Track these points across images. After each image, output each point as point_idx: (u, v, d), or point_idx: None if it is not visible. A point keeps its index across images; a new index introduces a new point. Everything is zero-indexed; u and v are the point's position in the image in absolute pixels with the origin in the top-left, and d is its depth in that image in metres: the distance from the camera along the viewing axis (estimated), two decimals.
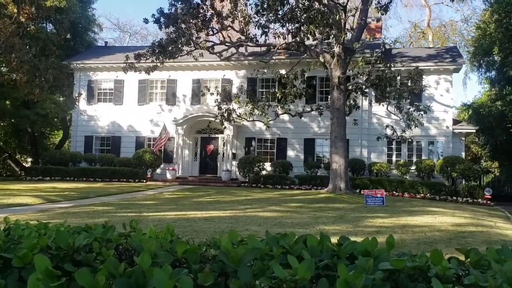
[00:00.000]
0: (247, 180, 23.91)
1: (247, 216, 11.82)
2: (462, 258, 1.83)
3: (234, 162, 25.33)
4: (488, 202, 19.82)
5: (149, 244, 1.49)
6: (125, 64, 21.97)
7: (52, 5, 24.76)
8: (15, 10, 19.19)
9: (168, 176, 25.05)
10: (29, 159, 34.03)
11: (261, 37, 20.94)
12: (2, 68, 20.29)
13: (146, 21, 21.54)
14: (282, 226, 10.14)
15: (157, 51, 21.17)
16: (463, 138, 24.90)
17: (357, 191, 20.30)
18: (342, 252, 1.62)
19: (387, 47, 22.09)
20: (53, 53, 21.97)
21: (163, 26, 21.25)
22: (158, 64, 21.88)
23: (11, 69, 18.47)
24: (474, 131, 26.28)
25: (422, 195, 21.00)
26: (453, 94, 24.64)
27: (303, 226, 10.24)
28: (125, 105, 27.89)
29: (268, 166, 24.58)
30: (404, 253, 1.89)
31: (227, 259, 1.38)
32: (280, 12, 19.27)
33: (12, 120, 29.81)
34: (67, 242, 1.65)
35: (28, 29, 20.52)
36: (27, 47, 19.33)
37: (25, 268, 1.54)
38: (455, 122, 25.29)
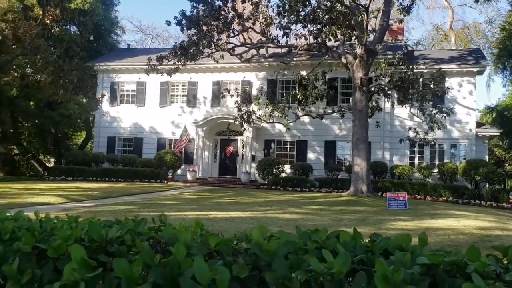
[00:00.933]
0: (266, 182, 23.88)
1: (268, 217, 11.80)
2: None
3: (253, 164, 25.33)
4: None
5: (183, 236, 1.49)
6: (147, 66, 22.20)
7: (76, 7, 25.20)
8: (41, 12, 19.55)
9: (189, 177, 25.20)
10: (52, 159, 34.61)
11: (282, 38, 20.90)
12: (27, 69, 20.68)
13: (168, 23, 21.88)
14: (303, 227, 10.01)
15: (179, 53, 21.33)
16: (487, 141, 24.45)
17: (379, 194, 20.09)
18: (376, 247, 1.59)
19: (409, 49, 21.77)
20: (77, 54, 22.34)
21: (185, 28, 21.41)
22: (180, 66, 22.06)
23: (36, 70, 18.82)
24: (498, 134, 25.76)
25: (444, 198, 20.68)
26: (476, 97, 24.20)
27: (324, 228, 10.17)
28: (147, 106, 28.18)
29: (287, 168, 24.50)
30: (437, 250, 1.85)
31: (261, 252, 1.37)
32: (302, 13, 19.22)
33: (36, 121, 30.38)
34: (100, 234, 1.67)
35: (52, 31, 20.88)
36: (52, 48, 19.67)
37: (59, 258, 1.55)
38: (479, 125, 24.83)
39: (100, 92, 26.88)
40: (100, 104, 25.58)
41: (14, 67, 18.76)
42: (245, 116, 21.93)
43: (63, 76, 18.30)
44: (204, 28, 21.24)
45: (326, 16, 18.97)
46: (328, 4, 18.90)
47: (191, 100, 27.61)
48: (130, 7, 73.42)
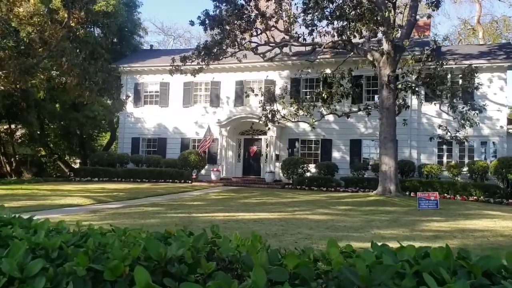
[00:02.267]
0: (291, 182, 23.63)
1: (297, 218, 11.58)
2: None
3: (277, 164, 25.11)
4: None
5: (259, 257, 1.29)
6: (171, 67, 22.20)
7: (100, 10, 25.35)
8: (65, 15, 19.69)
9: (213, 177, 25.13)
10: (78, 161, 34.98)
11: (308, 35, 20.58)
12: (53, 71, 20.88)
13: (192, 23, 21.68)
14: (335, 230, 9.84)
15: (202, 53, 21.26)
16: None
17: (407, 193, 19.65)
18: (477, 268, 1.37)
19: (437, 44, 21.22)
20: (101, 56, 22.45)
21: (208, 28, 21.30)
22: (204, 66, 21.98)
23: (62, 72, 18.96)
24: None
25: (475, 197, 20.10)
26: (507, 93, 23.47)
27: (356, 230, 9.90)
28: (170, 107, 28.22)
29: (312, 167, 24.20)
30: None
31: (354, 277, 1.16)
32: (328, 10, 18.89)
33: (62, 123, 30.74)
34: (158, 252, 1.48)
35: (77, 33, 21.03)
36: (77, 51, 19.79)
37: (116, 281, 1.37)
38: (510, 121, 24.07)
39: (124, 93, 27.04)
40: (125, 105, 25.70)
41: (41, 70, 18.93)
42: (269, 116, 21.72)
43: (89, 78, 18.39)
44: (227, 27, 21.12)
45: (353, 12, 18.60)
46: (355, 0, 18.52)
47: (214, 100, 27.53)
48: (153, 8, 73.94)
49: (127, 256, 1.41)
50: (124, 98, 26.00)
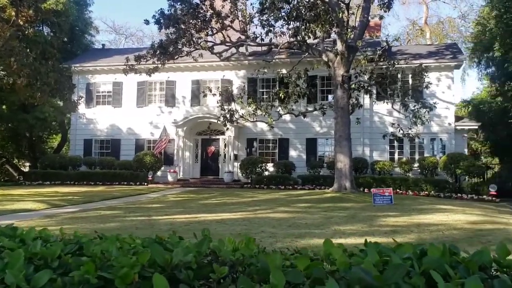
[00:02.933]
0: (250, 181, 23.73)
1: (259, 217, 11.65)
2: None
3: (236, 163, 25.14)
4: (493, 198, 19.76)
5: (275, 259, 1.31)
6: (125, 66, 21.79)
7: (50, 8, 24.44)
8: (13, 13, 18.88)
9: (170, 178, 24.82)
10: (27, 164, 33.64)
11: (265, 36, 20.73)
12: (0, 72, 19.95)
13: (147, 22, 21.33)
14: (297, 227, 9.99)
15: (158, 52, 20.97)
16: (465, 135, 24.82)
17: (362, 189, 20.18)
18: (473, 264, 1.45)
19: (389, 44, 21.90)
20: (53, 56, 21.68)
21: (163, 27, 21.04)
22: (159, 65, 21.69)
23: (11, 72, 18.15)
24: (477, 127, 26.17)
25: (426, 192, 20.92)
26: (454, 91, 24.55)
27: (317, 226, 10.09)
28: (124, 107, 27.63)
29: (270, 166, 24.40)
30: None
31: (369, 277, 1.21)
32: (284, 11, 19.09)
33: (10, 125, 29.43)
34: (164, 258, 1.48)
35: (26, 32, 20.19)
36: (27, 50, 19.00)
37: None
38: (457, 118, 25.20)
39: (76, 93, 26.23)
40: (77, 106, 24.93)
41: None
42: (227, 115, 21.72)
43: (40, 78, 17.70)
44: (183, 26, 20.93)
45: (308, 13, 18.89)
46: (311, 1, 18.81)
47: (170, 99, 27.20)
48: (104, 7, 72.10)
49: (136, 263, 1.40)
50: (76, 98, 25.24)
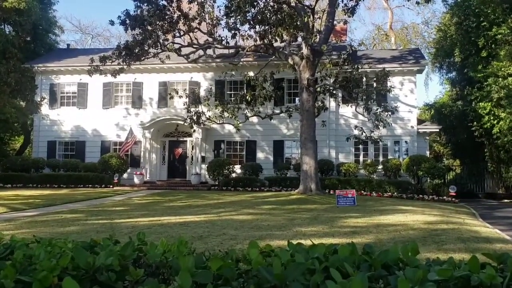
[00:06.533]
0: (217, 183, 23.75)
1: (222, 220, 11.70)
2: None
3: (203, 166, 25.12)
4: (453, 199, 20.38)
5: (186, 261, 1.39)
6: (90, 67, 21.49)
7: (11, 6, 23.88)
8: None
9: (136, 180, 24.57)
10: None
11: (231, 39, 20.82)
12: None
13: (112, 23, 21.12)
14: (259, 229, 10.09)
15: (123, 53, 20.79)
16: (427, 137, 25.52)
17: (327, 191, 20.49)
18: (377, 262, 1.57)
19: (353, 49, 22.36)
20: (14, 56, 21.16)
21: (129, 28, 20.86)
22: (125, 66, 21.49)
23: None
24: (438, 130, 26.97)
25: (389, 193, 21.40)
26: (416, 95, 25.22)
27: (279, 228, 10.22)
28: (89, 108, 27.21)
29: (237, 168, 24.49)
30: (428, 260, 1.87)
31: (270, 275, 1.30)
32: (250, 14, 19.23)
33: None
34: (87, 261, 1.54)
35: None
36: None
37: None
38: (419, 122, 25.89)
39: (39, 94, 25.67)
40: (39, 107, 24.39)
41: None
42: (194, 117, 21.69)
43: (0, 79, 17.26)
44: (149, 28, 20.81)
45: (274, 17, 19.09)
46: (276, 5, 19.02)
47: (136, 101, 26.95)
48: (69, 6, 70.71)
49: (56, 266, 1.46)
50: (39, 99, 24.69)
